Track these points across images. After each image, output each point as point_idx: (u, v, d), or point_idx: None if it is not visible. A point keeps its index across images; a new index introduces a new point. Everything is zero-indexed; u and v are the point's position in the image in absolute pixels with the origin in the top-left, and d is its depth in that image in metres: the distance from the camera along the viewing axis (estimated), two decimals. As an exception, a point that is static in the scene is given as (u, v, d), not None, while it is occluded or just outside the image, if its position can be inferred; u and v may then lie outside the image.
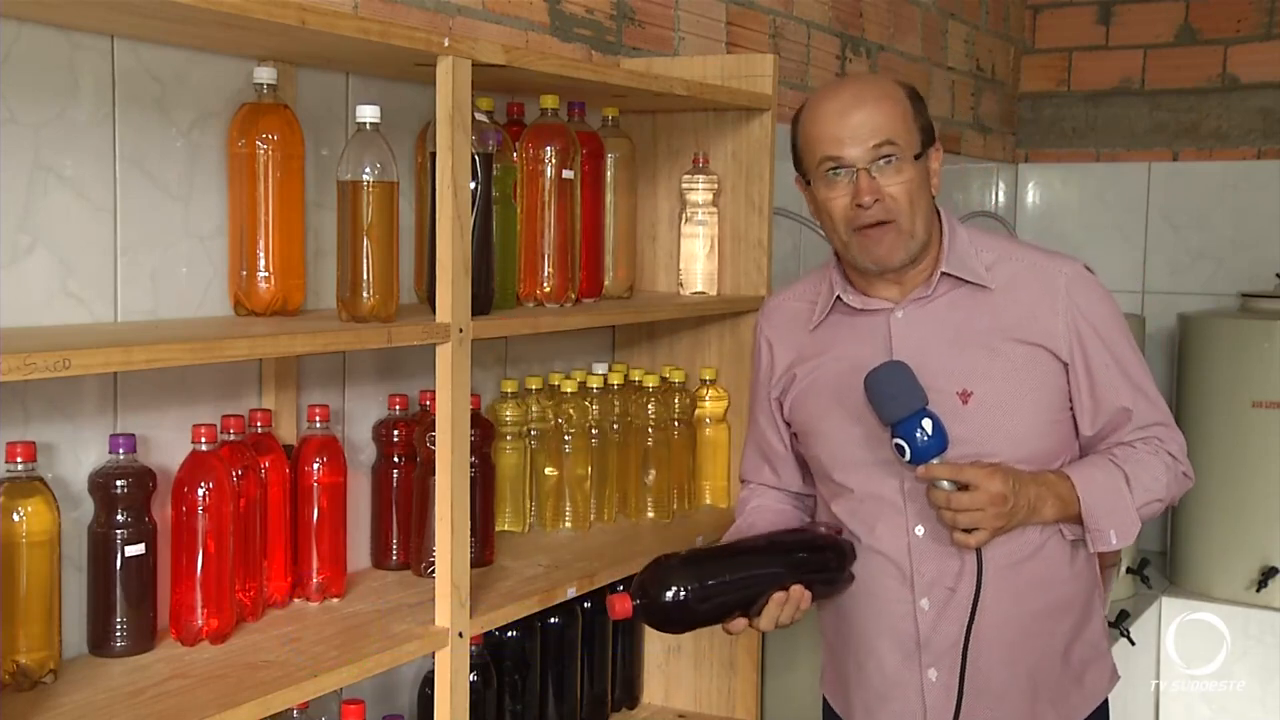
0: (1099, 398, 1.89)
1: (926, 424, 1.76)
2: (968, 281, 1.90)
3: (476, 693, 2.02)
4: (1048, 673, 1.93)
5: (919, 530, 1.88)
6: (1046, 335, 1.87)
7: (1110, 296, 1.94)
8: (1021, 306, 1.89)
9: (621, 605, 1.78)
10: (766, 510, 2.09)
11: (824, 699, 2.12)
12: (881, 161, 1.82)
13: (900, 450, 1.77)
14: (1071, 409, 1.91)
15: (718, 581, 1.82)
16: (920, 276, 1.91)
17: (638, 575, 1.82)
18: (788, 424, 2.05)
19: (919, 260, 1.89)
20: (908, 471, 1.83)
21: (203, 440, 1.69)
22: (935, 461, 1.77)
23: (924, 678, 1.90)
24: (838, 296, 1.95)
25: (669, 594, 1.78)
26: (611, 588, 2.40)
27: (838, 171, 1.83)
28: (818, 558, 1.92)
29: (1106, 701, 2.03)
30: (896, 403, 1.77)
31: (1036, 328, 1.87)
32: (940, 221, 1.93)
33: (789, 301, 2.06)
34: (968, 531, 1.79)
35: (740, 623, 1.85)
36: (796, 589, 1.84)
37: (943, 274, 1.89)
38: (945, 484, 1.78)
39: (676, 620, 1.83)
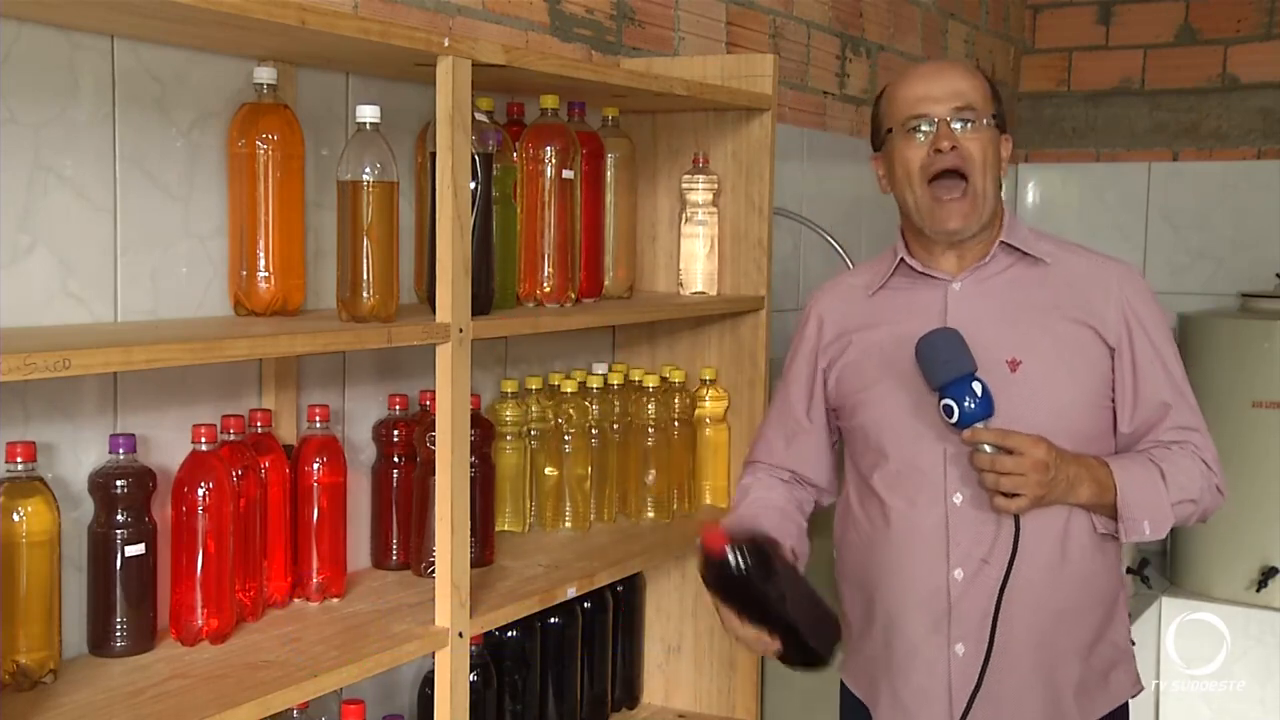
0: (1140, 390, 1.94)
1: (976, 388, 1.80)
2: (1025, 256, 1.97)
3: (476, 693, 2.02)
4: (1073, 664, 1.94)
5: (957, 498, 1.91)
6: (1097, 318, 1.93)
7: (1158, 300, 2.01)
8: (1076, 289, 1.95)
9: (717, 541, 1.74)
10: (769, 506, 2.06)
11: (842, 686, 2.12)
12: (960, 123, 1.91)
13: (948, 412, 1.81)
14: (1113, 401, 1.94)
15: (773, 598, 1.80)
16: (980, 249, 1.98)
17: (742, 537, 1.78)
18: (833, 397, 2.06)
19: (981, 235, 1.96)
20: (953, 435, 1.86)
21: (203, 440, 1.69)
22: (980, 426, 1.80)
23: (951, 652, 1.92)
24: (901, 259, 2.00)
25: (754, 574, 1.76)
26: (612, 588, 2.42)
27: (919, 129, 1.92)
28: (814, 637, 1.87)
29: (1127, 706, 2.03)
30: (948, 366, 1.81)
31: (1089, 309, 1.94)
32: (1002, 206, 2.01)
33: (847, 279, 2.14)
34: (1008, 497, 1.81)
35: (733, 620, 1.82)
36: (775, 644, 1.82)
37: (1002, 243, 1.96)
38: (988, 448, 1.80)
39: (729, 590, 1.80)
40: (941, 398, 1.82)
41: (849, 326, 2.05)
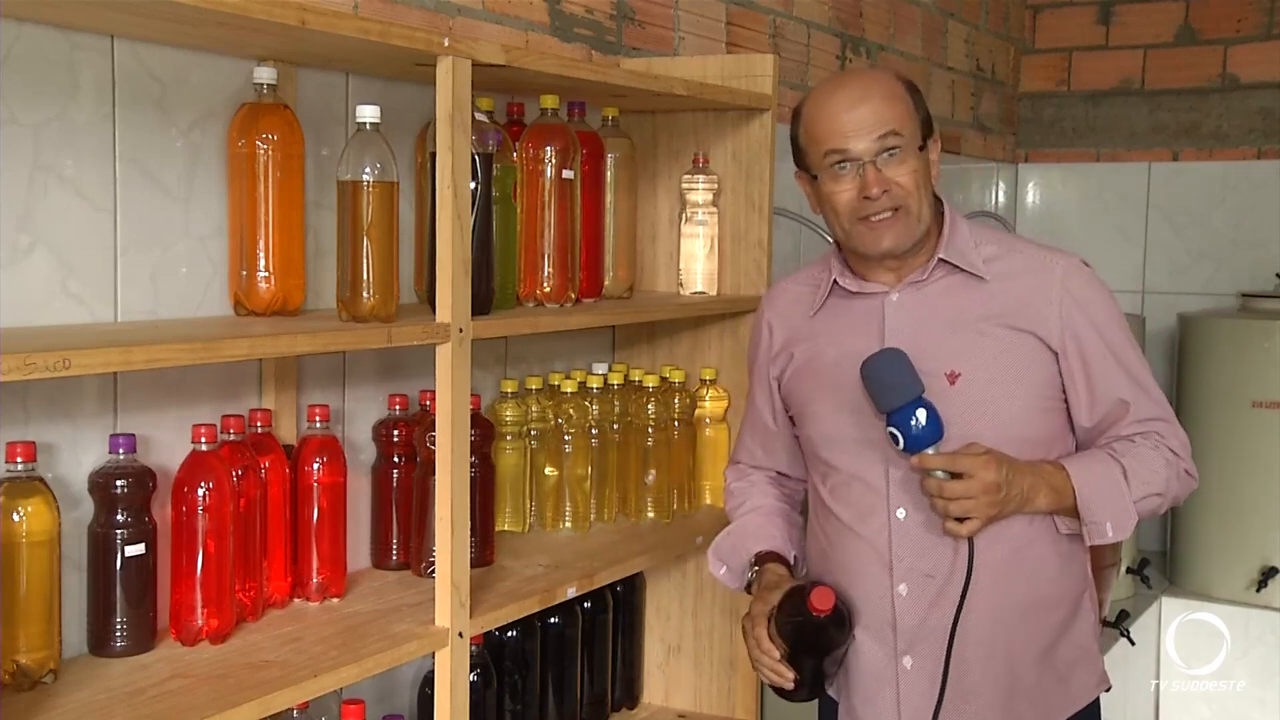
0: (1095, 389, 1.90)
1: (921, 414, 1.77)
2: (963, 270, 1.92)
3: (476, 693, 2.02)
4: (1028, 669, 1.92)
5: (900, 513, 1.89)
6: (1038, 322, 1.88)
7: (1107, 291, 1.95)
8: (1015, 295, 1.90)
9: (827, 601, 1.83)
10: (773, 514, 2.09)
11: None
12: (886, 154, 1.84)
13: (894, 439, 1.78)
14: (1065, 400, 1.91)
15: (836, 655, 1.94)
16: (917, 263, 1.93)
17: (844, 602, 1.89)
18: (785, 404, 2.06)
19: (919, 248, 1.91)
20: (901, 459, 1.83)
21: (203, 440, 1.69)
22: (929, 451, 1.78)
23: (899, 665, 1.91)
24: (835, 281, 1.97)
25: (842, 636, 1.90)
26: (612, 588, 2.42)
27: (843, 165, 1.85)
28: (829, 686, 2.02)
29: (1098, 706, 2.02)
30: (893, 391, 1.78)
31: (1028, 314, 1.89)
32: (943, 212, 1.95)
33: (792, 286, 2.08)
34: (960, 521, 1.79)
35: (771, 653, 1.91)
36: (790, 682, 1.91)
37: (940, 260, 1.91)
38: (939, 473, 1.78)
39: (804, 639, 1.89)
40: (888, 424, 1.79)
41: (793, 338, 2.02)
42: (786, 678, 1.89)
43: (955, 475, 1.78)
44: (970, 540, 1.80)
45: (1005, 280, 1.91)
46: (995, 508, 1.79)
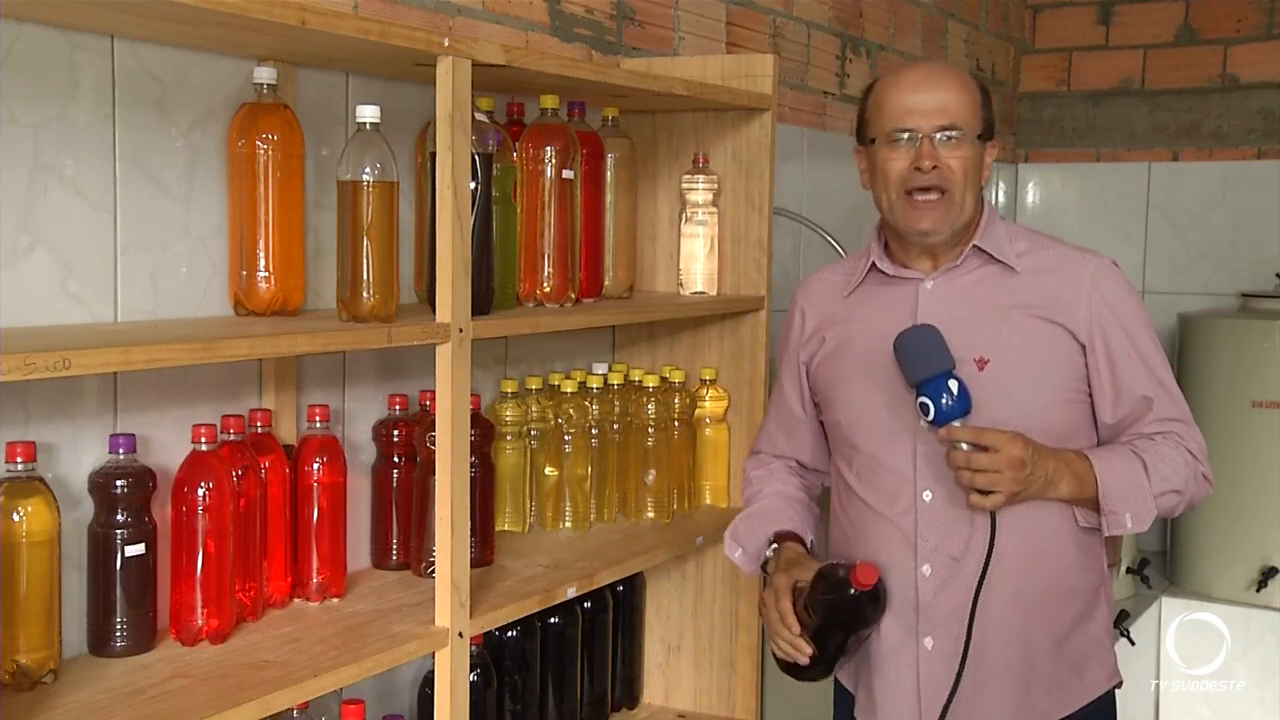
0: (1120, 385, 1.94)
1: (952, 385, 1.80)
2: (997, 261, 1.97)
3: (476, 693, 2.02)
4: (1044, 657, 1.94)
5: (926, 495, 1.92)
6: (1068, 316, 1.93)
7: (1135, 293, 2.00)
8: (1046, 288, 1.95)
9: (871, 576, 1.85)
10: (791, 500, 2.13)
11: (834, 677, 2.14)
12: (944, 135, 1.91)
13: (924, 409, 1.82)
14: (1090, 395, 1.95)
15: (863, 634, 1.96)
16: (953, 252, 1.99)
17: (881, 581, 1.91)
18: (812, 390, 2.10)
19: (956, 238, 1.97)
20: (928, 433, 1.87)
21: (203, 440, 1.69)
22: (957, 424, 1.81)
23: (920, 646, 1.93)
24: (873, 263, 2.02)
25: (878, 613, 1.93)
26: (612, 588, 2.42)
27: (902, 137, 1.92)
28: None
29: (1113, 699, 2.03)
30: (925, 363, 1.82)
31: (1058, 308, 1.94)
32: (982, 208, 2.01)
33: (827, 274, 2.15)
34: (984, 494, 1.82)
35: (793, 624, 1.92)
36: (806, 658, 1.92)
37: (974, 248, 1.97)
38: (965, 446, 1.81)
39: (838, 613, 1.91)
40: (918, 395, 1.82)
41: (826, 322, 2.08)
42: (804, 652, 1.90)
43: (981, 450, 1.81)
44: (993, 516, 1.83)
45: (1037, 274, 1.96)
46: (1019, 484, 1.82)
